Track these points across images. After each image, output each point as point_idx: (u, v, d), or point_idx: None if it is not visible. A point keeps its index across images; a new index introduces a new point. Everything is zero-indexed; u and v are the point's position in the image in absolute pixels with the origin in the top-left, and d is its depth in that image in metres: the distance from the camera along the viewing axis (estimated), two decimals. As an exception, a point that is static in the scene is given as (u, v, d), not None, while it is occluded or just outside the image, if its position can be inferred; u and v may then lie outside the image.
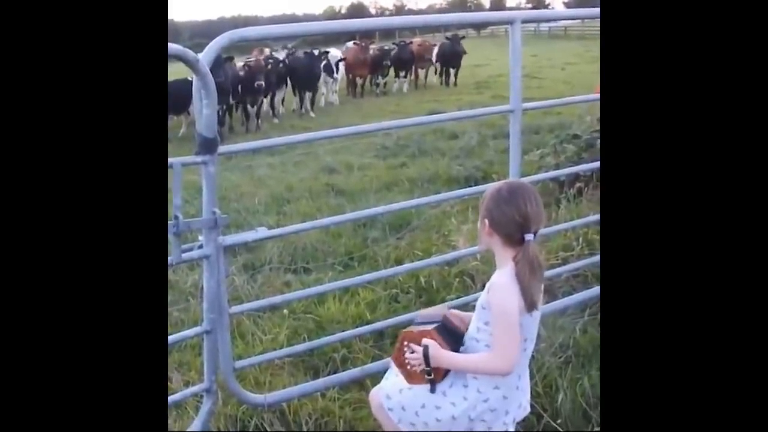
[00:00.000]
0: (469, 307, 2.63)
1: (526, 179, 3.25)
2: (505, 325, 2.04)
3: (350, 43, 18.61)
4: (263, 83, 13.27)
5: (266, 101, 14.31)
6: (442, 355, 2.12)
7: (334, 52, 16.79)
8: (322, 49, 16.46)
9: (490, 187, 2.20)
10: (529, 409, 2.25)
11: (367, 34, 19.37)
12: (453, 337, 2.23)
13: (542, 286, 2.15)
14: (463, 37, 19.97)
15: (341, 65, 16.75)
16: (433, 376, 2.15)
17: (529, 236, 2.06)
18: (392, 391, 2.27)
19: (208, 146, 2.38)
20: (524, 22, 3.02)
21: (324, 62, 15.83)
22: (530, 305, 2.07)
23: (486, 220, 2.12)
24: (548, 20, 34.34)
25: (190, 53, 2.16)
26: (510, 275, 2.07)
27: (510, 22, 2.97)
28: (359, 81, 18.51)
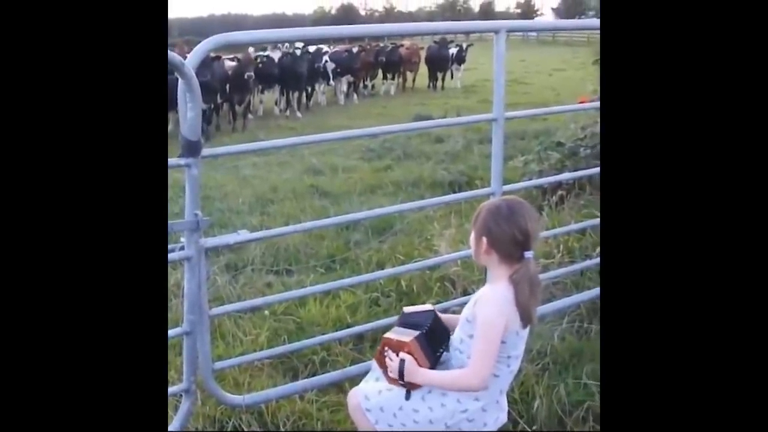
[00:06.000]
0: (449, 312, 2.65)
1: (509, 187, 3.28)
2: (487, 342, 2.04)
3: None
4: (253, 74, 13.33)
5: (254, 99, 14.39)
6: (416, 371, 2.13)
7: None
8: (305, 49, 16.39)
9: (486, 204, 2.17)
10: (505, 420, 2.27)
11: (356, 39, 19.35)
12: (437, 341, 2.24)
13: (538, 304, 2.15)
14: (452, 41, 19.99)
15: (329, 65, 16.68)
16: (409, 385, 2.18)
17: (528, 254, 2.06)
18: (371, 392, 2.28)
19: (191, 149, 2.38)
20: (509, 31, 3.05)
21: (321, 69, 15.81)
22: (526, 322, 2.08)
23: (484, 238, 2.09)
24: (533, 30, 34.49)
25: (176, 56, 2.17)
26: (502, 293, 2.07)
27: (495, 31, 3.00)
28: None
